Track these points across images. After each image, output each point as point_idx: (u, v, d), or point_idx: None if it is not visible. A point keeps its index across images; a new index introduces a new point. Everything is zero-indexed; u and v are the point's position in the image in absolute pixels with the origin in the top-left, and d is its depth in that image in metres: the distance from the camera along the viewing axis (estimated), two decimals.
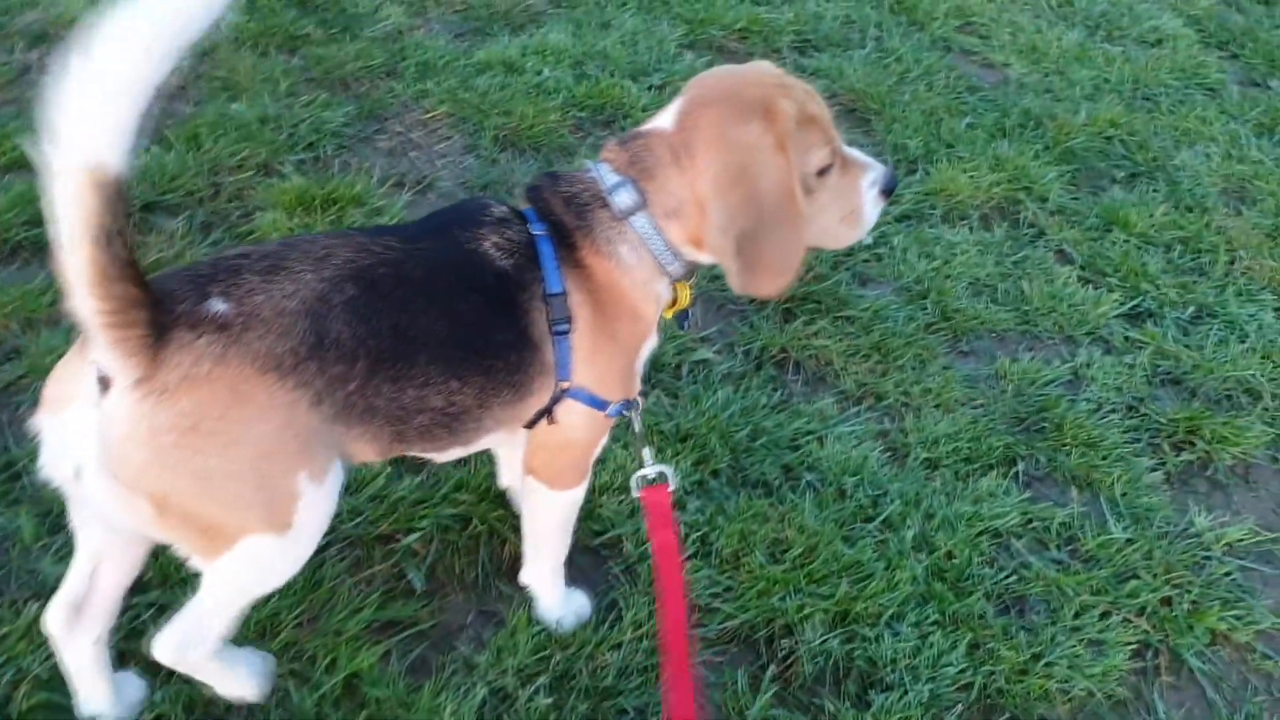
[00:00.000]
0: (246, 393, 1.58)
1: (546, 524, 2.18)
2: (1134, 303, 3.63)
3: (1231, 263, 3.92)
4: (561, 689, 2.13)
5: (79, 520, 1.79)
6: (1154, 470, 3.00)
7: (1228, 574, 2.72)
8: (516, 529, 2.38)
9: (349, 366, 1.68)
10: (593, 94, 4.06)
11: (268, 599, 2.08)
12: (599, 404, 1.96)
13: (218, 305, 1.60)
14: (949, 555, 2.57)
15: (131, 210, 1.47)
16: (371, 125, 3.76)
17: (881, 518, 2.63)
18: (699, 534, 2.49)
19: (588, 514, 2.46)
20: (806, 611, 2.35)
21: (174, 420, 1.54)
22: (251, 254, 1.72)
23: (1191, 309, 3.65)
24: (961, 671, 2.32)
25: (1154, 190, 4.31)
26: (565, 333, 1.89)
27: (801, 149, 1.91)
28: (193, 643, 1.75)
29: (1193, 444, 3.10)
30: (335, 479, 1.73)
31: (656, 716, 2.12)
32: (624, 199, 1.91)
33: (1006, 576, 2.57)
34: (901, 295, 3.48)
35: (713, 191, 1.87)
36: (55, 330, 2.64)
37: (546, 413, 1.96)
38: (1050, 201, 4.08)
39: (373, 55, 4.08)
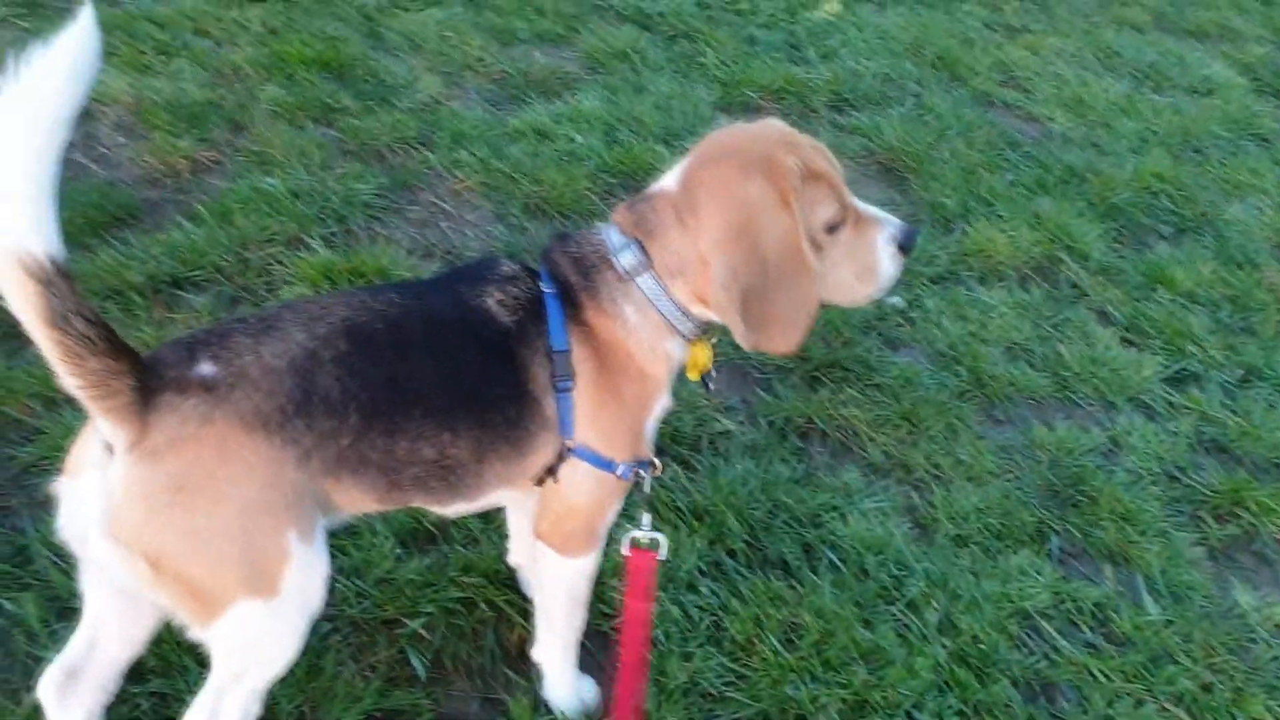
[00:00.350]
0: (233, 451, 1.61)
1: (556, 595, 2.14)
2: (1178, 365, 3.52)
3: None
4: None
5: (86, 583, 1.82)
6: (1196, 545, 2.88)
7: (1275, 658, 2.58)
8: (525, 613, 2.35)
9: (340, 421, 1.70)
10: (624, 159, 4.07)
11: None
12: (606, 464, 1.95)
13: (205, 368, 1.64)
14: (974, 639, 2.47)
15: (83, 287, 1.48)
16: (403, 196, 3.80)
17: (905, 599, 2.55)
18: (711, 618, 2.43)
19: (598, 594, 2.41)
20: (821, 701, 2.27)
21: (164, 481, 1.59)
22: (248, 318, 1.76)
23: (1239, 371, 3.53)
24: None
25: (1202, 247, 4.19)
26: (568, 389, 1.89)
27: (807, 204, 1.90)
28: None
29: (1237, 516, 2.98)
30: (324, 542, 1.74)
31: None
32: (629, 259, 1.93)
33: (1035, 661, 2.47)
34: (934, 361, 3.41)
35: (714, 248, 1.87)
36: (77, 411, 2.68)
37: (551, 471, 1.95)
38: (1092, 260, 3.98)
39: (407, 126, 4.13)
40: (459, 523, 2.56)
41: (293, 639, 1.75)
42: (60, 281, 1.46)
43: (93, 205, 3.37)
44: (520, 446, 1.89)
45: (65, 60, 1.44)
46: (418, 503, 1.89)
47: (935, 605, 2.53)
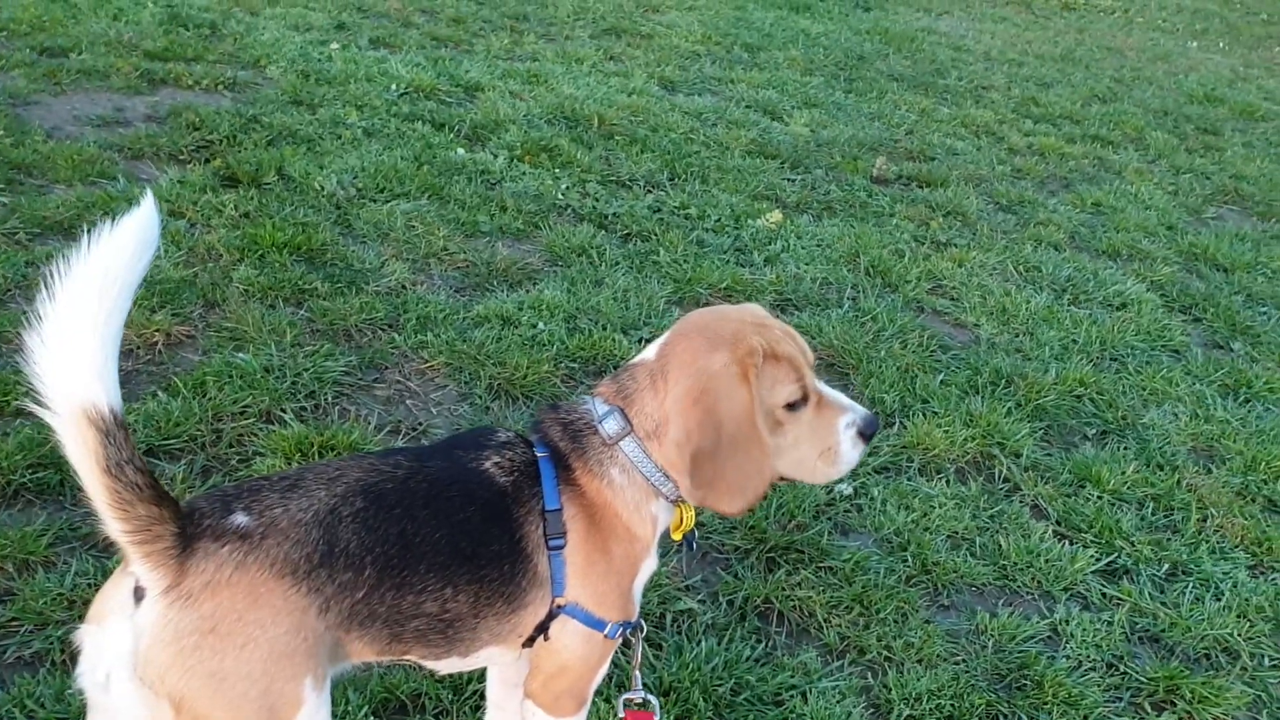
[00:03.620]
0: (264, 596, 1.72)
1: None
2: (1109, 559, 3.70)
3: (1203, 520, 4.02)
4: None
5: None
6: None
7: None
8: None
9: (357, 574, 1.82)
10: (584, 346, 4.26)
11: None
12: (596, 623, 2.04)
13: (240, 518, 1.77)
14: None
15: (134, 441, 1.60)
16: (371, 374, 3.93)
17: None
18: None
19: None
20: None
21: (196, 623, 1.68)
22: (273, 478, 1.89)
23: (1166, 566, 3.72)
24: None
25: (1124, 448, 4.46)
26: (560, 547, 2.00)
27: (767, 382, 2.07)
28: None
29: (1173, 704, 3.11)
30: (329, 691, 1.82)
31: None
32: (611, 426, 2.08)
33: None
34: (882, 547, 3.56)
35: (674, 407, 2.04)
36: (51, 572, 2.69)
37: (543, 629, 2.03)
38: (1024, 457, 4.21)
39: (375, 308, 4.29)
40: (430, 693, 2.59)
41: None
42: (118, 432, 1.56)
43: None
44: (514, 602, 1.99)
45: (132, 235, 1.59)
46: (415, 655, 1.97)
47: None
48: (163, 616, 1.67)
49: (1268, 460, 4.50)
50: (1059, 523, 3.88)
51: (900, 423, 4.31)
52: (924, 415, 4.36)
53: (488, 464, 2.03)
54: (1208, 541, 3.88)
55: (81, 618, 1.79)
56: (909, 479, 3.96)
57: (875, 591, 3.29)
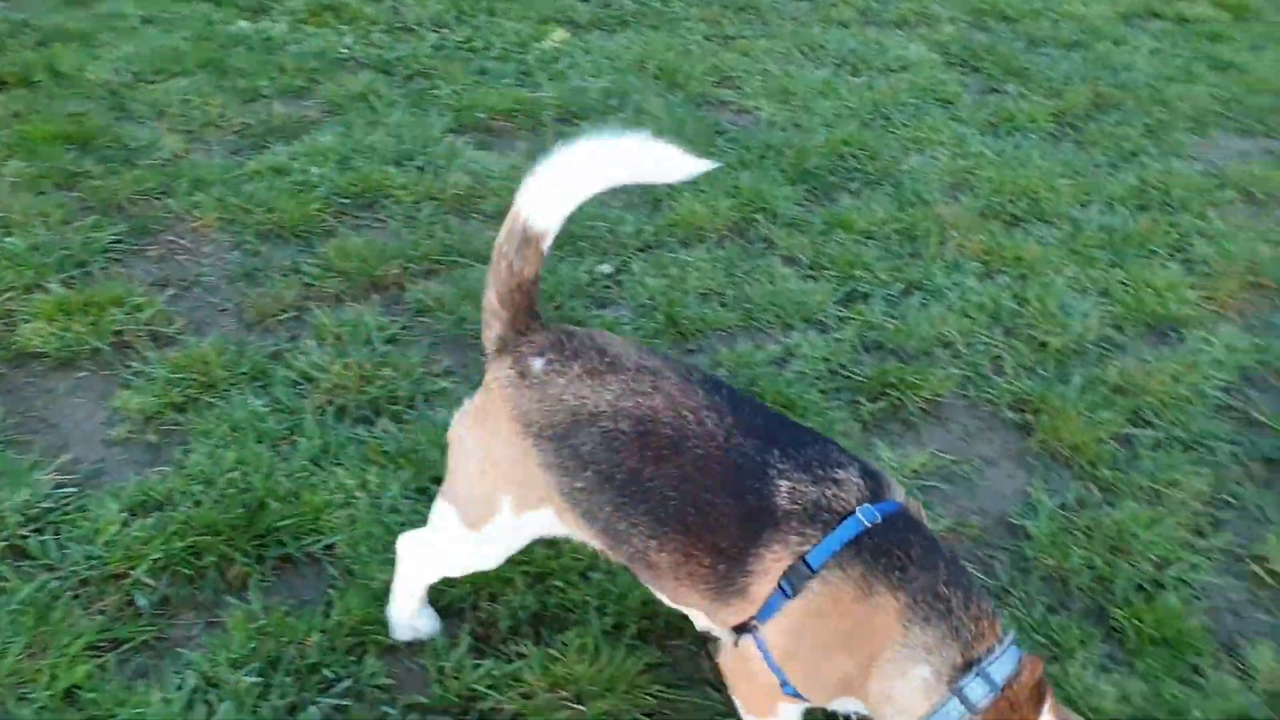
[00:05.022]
0: (498, 421, 2.10)
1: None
2: (849, 289, 4.03)
3: (943, 243, 4.36)
4: (270, 670, 2.39)
5: None
6: (852, 421, 3.35)
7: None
8: (246, 552, 2.67)
9: (577, 468, 2.02)
10: (355, 182, 4.44)
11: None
12: (777, 671, 1.94)
13: (537, 363, 2.08)
14: None
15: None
16: (144, 240, 4.09)
17: None
18: None
19: (312, 524, 2.75)
20: None
21: (469, 405, 2.22)
22: (614, 351, 2.10)
23: (902, 286, 4.06)
24: None
25: (883, 194, 4.76)
26: (788, 594, 1.87)
27: None
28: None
29: (887, 394, 3.47)
30: (541, 520, 2.17)
31: (360, 680, 2.39)
32: (976, 691, 1.77)
33: None
34: (635, 311, 3.84)
35: None
36: None
37: (738, 632, 1.99)
38: (782, 217, 4.50)
39: (148, 180, 4.42)
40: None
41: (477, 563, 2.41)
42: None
43: None
44: (718, 595, 1.96)
45: None
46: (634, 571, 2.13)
47: None
48: (469, 398, 2.21)
49: (1014, 182, 4.84)
50: (809, 267, 4.19)
51: (668, 205, 4.56)
52: (691, 195, 4.61)
53: (786, 482, 1.91)
54: (944, 260, 4.22)
55: None
56: (670, 251, 4.23)
57: None
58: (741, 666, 2.01)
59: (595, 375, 2.04)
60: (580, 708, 2.39)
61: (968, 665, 1.75)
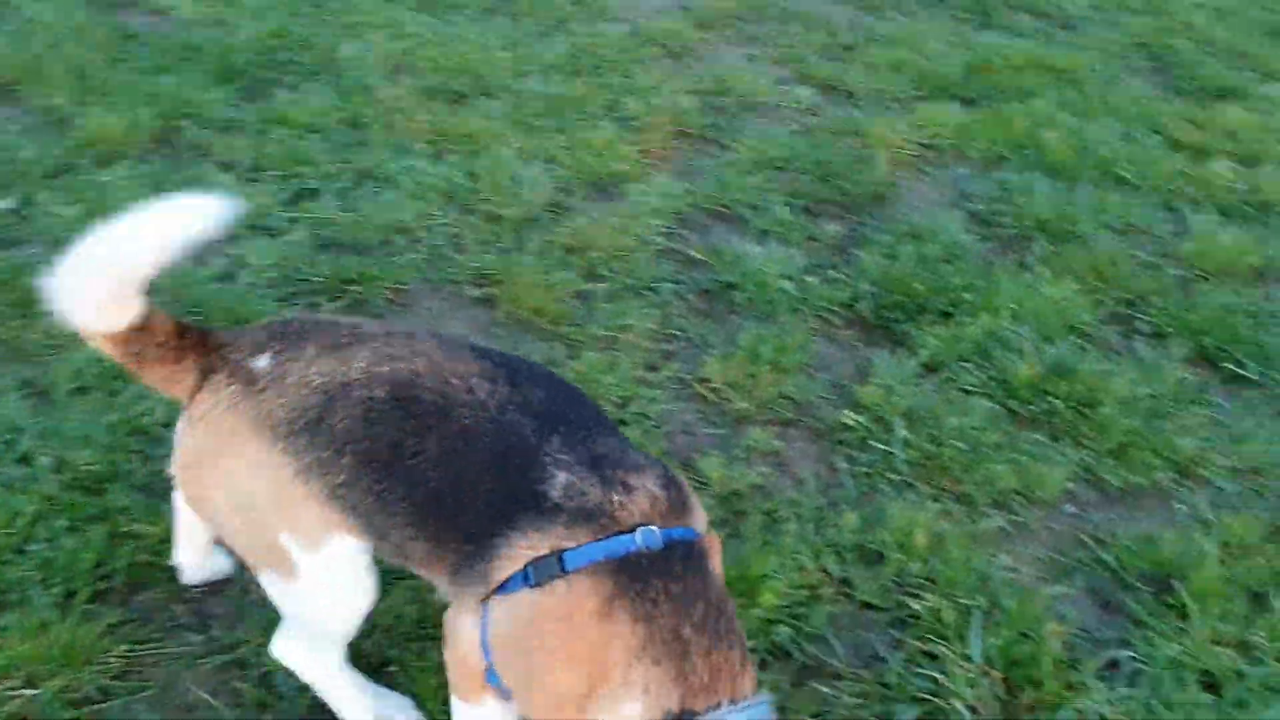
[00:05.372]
0: (236, 444, 1.77)
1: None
2: (296, 187, 3.80)
3: (390, 128, 4.23)
4: None
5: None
6: None
7: None
8: None
9: (335, 460, 1.74)
10: None
11: None
12: (488, 654, 1.77)
13: (263, 361, 1.80)
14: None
15: None
16: None
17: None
18: None
19: None
20: None
21: (190, 448, 1.84)
22: (345, 328, 1.85)
23: (351, 178, 3.90)
24: None
25: (322, 85, 4.52)
26: (529, 582, 1.67)
27: None
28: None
29: (348, 290, 3.32)
30: (340, 551, 1.81)
31: None
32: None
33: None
34: (51, 248, 3.36)
35: None
36: None
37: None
38: (213, 121, 4.14)
39: None
40: None
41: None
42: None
43: None
44: (456, 576, 1.78)
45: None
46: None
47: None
48: (180, 432, 1.84)
49: (454, 59, 4.80)
50: (252, 169, 3.89)
51: (77, 124, 4.02)
52: (103, 109, 4.11)
53: (564, 473, 1.71)
54: (391, 145, 4.10)
55: None
56: (85, 174, 3.74)
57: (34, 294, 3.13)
58: (451, 636, 1.83)
59: (337, 349, 1.81)
60: (33, 691, 2.09)
61: (684, 714, 1.61)
